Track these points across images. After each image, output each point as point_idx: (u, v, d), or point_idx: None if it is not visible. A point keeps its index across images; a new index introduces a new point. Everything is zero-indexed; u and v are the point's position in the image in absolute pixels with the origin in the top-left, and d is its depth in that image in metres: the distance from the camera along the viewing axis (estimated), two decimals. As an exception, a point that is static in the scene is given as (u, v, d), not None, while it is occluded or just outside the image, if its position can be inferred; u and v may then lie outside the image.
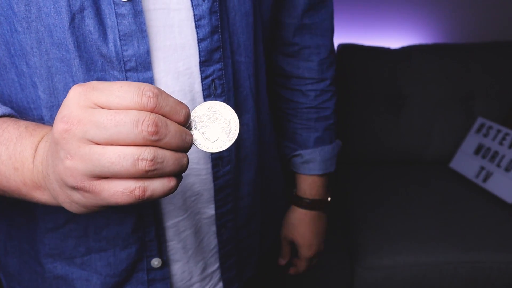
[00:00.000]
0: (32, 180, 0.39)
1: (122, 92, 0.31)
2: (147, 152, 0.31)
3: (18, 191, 0.40)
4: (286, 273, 0.87)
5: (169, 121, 0.33)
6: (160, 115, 0.32)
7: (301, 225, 0.80)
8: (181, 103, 0.34)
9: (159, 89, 0.32)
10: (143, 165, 0.31)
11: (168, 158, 0.33)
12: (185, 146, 0.34)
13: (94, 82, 0.32)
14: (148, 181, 0.33)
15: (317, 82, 0.74)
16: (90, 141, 0.31)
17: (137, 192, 0.32)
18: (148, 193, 0.33)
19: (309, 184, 0.78)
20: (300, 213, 0.80)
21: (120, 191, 0.32)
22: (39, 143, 0.39)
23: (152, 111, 0.32)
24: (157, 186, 0.33)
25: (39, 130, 0.40)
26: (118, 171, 0.31)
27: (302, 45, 0.71)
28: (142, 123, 0.31)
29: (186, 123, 0.35)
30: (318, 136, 0.76)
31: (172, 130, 0.33)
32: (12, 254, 0.58)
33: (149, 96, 0.31)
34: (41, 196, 0.39)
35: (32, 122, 0.42)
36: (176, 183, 0.34)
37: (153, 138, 0.31)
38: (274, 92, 0.78)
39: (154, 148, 0.32)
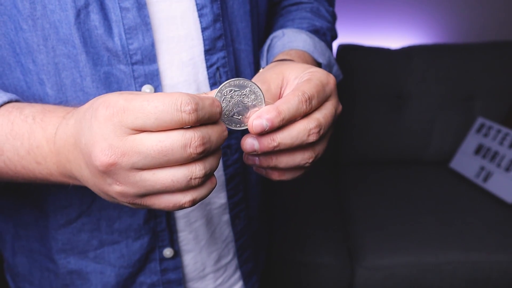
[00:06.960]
0: (59, 172, 0.39)
1: (159, 113, 0.30)
2: (198, 170, 0.33)
3: (47, 180, 0.40)
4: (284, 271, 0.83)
5: (210, 130, 0.33)
6: (202, 129, 0.32)
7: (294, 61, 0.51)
8: (213, 101, 0.33)
9: (194, 99, 0.31)
10: (196, 182, 0.33)
11: (214, 163, 0.34)
12: (224, 141, 0.35)
13: (122, 102, 0.31)
14: (196, 191, 0.34)
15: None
16: (139, 170, 0.32)
17: (187, 205, 0.34)
18: (196, 202, 0.35)
19: (297, 56, 0.53)
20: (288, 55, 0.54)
21: (171, 206, 0.34)
22: (55, 137, 0.38)
23: (194, 125, 0.32)
24: (203, 192, 0.35)
25: (47, 120, 0.39)
26: (171, 191, 0.33)
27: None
28: (190, 146, 0.31)
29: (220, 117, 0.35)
30: (313, 26, 0.61)
31: (215, 139, 0.33)
32: (21, 254, 0.58)
33: (189, 112, 0.31)
34: (72, 182, 0.39)
35: (34, 105, 0.41)
36: (216, 180, 0.36)
37: (202, 155, 0.32)
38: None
39: (203, 162, 0.33)
